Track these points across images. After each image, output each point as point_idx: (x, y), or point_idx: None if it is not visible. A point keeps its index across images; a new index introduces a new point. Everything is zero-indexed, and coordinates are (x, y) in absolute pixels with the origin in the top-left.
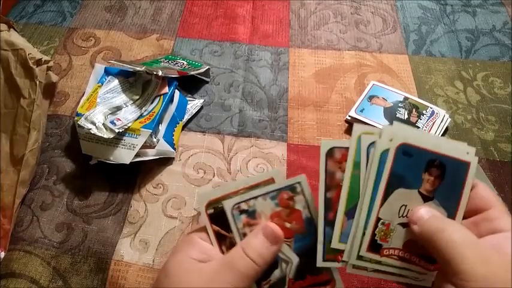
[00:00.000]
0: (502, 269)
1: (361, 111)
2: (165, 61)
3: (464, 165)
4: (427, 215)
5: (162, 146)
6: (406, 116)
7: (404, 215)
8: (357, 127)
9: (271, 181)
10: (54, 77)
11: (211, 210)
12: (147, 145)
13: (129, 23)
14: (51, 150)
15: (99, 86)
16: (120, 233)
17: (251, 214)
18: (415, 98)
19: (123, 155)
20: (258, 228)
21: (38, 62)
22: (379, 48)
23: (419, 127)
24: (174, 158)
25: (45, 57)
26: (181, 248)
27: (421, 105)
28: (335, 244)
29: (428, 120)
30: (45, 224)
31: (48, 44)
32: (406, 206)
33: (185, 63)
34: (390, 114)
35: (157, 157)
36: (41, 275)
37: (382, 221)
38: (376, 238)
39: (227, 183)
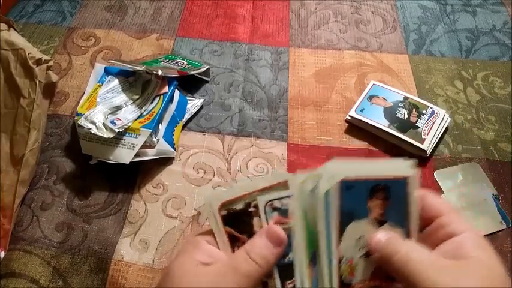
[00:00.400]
0: (461, 274)
1: (361, 111)
2: (165, 61)
3: (403, 181)
4: (384, 237)
5: (162, 146)
6: (406, 116)
7: (363, 246)
8: (293, 178)
9: (284, 183)
10: (54, 77)
11: (224, 212)
12: (147, 145)
13: (129, 22)
14: (51, 150)
15: (99, 86)
16: (120, 233)
17: (284, 212)
18: (415, 98)
19: (123, 155)
20: (262, 231)
21: (38, 62)
22: (379, 47)
23: (419, 127)
24: (174, 157)
25: (45, 57)
26: (187, 250)
27: (421, 105)
28: None
29: (428, 120)
30: (45, 224)
31: (48, 44)
32: (362, 236)
33: (185, 62)
34: (390, 114)
35: (157, 157)
36: (41, 275)
37: (344, 258)
38: (343, 277)
39: (237, 184)
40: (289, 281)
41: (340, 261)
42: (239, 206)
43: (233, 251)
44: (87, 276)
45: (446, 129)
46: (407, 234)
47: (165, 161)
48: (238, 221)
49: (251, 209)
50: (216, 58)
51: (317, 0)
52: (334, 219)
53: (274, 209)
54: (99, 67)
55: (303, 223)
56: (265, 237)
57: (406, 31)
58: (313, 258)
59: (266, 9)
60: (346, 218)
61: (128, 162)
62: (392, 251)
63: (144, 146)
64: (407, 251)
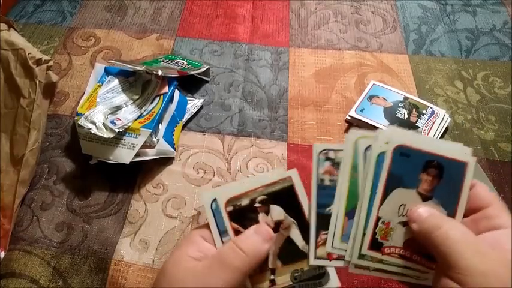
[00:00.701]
0: (499, 264)
1: (361, 111)
2: (165, 61)
3: (462, 165)
4: (426, 213)
5: (162, 146)
6: (406, 116)
7: (403, 214)
8: (352, 132)
9: (288, 179)
10: (54, 77)
11: (230, 208)
12: (147, 145)
13: (129, 22)
14: (51, 150)
15: (99, 86)
16: (120, 233)
17: (336, 165)
18: (415, 98)
19: (123, 155)
20: (251, 227)
21: (38, 62)
22: (379, 47)
23: (419, 127)
24: (174, 157)
25: (45, 57)
26: (181, 247)
27: (421, 105)
28: (337, 244)
29: (428, 120)
30: (45, 224)
31: (48, 44)
32: (405, 205)
33: (185, 62)
34: (390, 114)
35: (157, 157)
36: (41, 275)
37: (382, 219)
38: (376, 237)
39: (241, 180)
40: (324, 232)
41: (377, 220)
42: (244, 202)
43: None
44: (87, 276)
45: (446, 129)
46: (451, 216)
47: (165, 161)
48: (244, 217)
49: (256, 205)
50: (216, 58)
51: (317, 0)
52: (383, 180)
53: (327, 158)
54: (99, 67)
55: (348, 177)
56: (254, 230)
57: (406, 31)
58: (351, 213)
59: (266, 9)
60: (394, 182)
61: (128, 162)
62: (433, 225)
63: (144, 146)
64: (449, 228)
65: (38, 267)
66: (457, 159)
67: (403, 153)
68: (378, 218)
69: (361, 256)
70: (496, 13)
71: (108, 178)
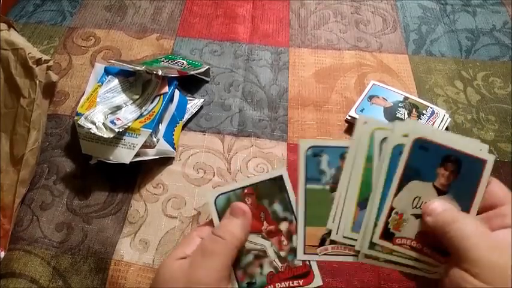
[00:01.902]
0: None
1: (361, 111)
2: (165, 61)
3: (480, 163)
4: (441, 207)
5: (162, 146)
6: (406, 116)
7: (417, 207)
8: (367, 122)
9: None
10: (54, 77)
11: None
12: (147, 145)
13: (129, 22)
14: (51, 150)
15: (99, 86)
16: (120, 233)
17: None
18: (415, 98)
19: (123, 155)
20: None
21: (38, 62)
22: (379, 48)
23: None
24: (174, 157)
25: (45, 57)
26: (177, 247)
27: (421, 105)
28: (347, 233)
29: (428, 120)
30: (45, 224)
31: (48, 44)
32: (420, 198)
33: (185, 62)
34: (390, 114)
35: (157, 157)
36: (41, 275)
37: (395, 210)
38: (389, 227)
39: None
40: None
41: (391, 210)
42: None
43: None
44: (87, 276)
45: (446, 129)
46: (466, 212)
47: (165, 161)
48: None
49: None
50: (216, 58)
51: (317, 0)
52: (400, 170)
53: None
54: (99, 67)
55: (363, 167)
56: (228, 213)
57: (406, 31)
58: (363, 203)
59: (266, 9)
60: (411, 174)
61: (127, 162)
62: (448, 220)
63: (144, 146)
64: (463, 223)
65: (38, 267)
66: (476, 156)
67: (421, 146)
68: (392, 209)
69: (372, 245)
70: (496, 13)
71: (108, 178)
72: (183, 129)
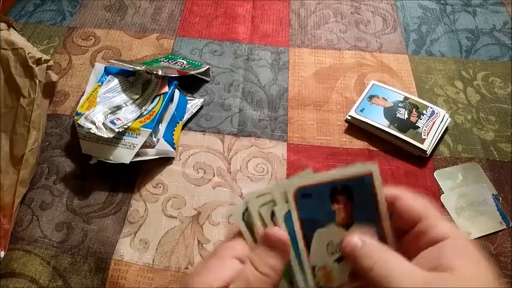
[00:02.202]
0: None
1: (361, 111)
2: (165, 60)
3: (368, 178)
4: (359, 243)
5: (162, 146)
6: (406, 116)
7: (335, 252)
8: (250, 202)
9: (366, 173)
10: (54, 76)
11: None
12: (147, 145)
13: (129, 22)
14: (51, 150)
15: (99, 86)
16: (120, 233)
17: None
18: (415, 98)
19: (123, 155)
20: (260, 238)
21: (38, 61)
22: (379, 47)
23: (419, 127)
24: (174, 157)
25: (45, 57)
26: (207, 268)
27: (421, 105)
28: None
29: (428, 120)
30: (45, 224)
31: (48, 43)
32: (331, 242)
33: (185, 62)
34: (390, 114)
35: (157, 157)
36: (41, 275)
37: (317, 267)
38: (321, 285)
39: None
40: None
41: (314, 269)
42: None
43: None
44: (87, 276)
45: (446, 129)
46: (381, 234)
47: (165, 161)
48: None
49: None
50: (216, 58)
51: (317, 0)
52: (299, 229)
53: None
54: (99, 67)
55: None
56: (264, 244)
57: (406, 31)
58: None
59: (266, 9)
60: (310, 226)
61: (127, 162)
62: (369, 261)
63: (144, 146)
64: (387, 261)
65: (38, 266)
66: (360, 174)
67: (304, 194)
68: (313, 267)
69: None
70: (496, 13)
71: (108, 178)
72: (183, 129)
